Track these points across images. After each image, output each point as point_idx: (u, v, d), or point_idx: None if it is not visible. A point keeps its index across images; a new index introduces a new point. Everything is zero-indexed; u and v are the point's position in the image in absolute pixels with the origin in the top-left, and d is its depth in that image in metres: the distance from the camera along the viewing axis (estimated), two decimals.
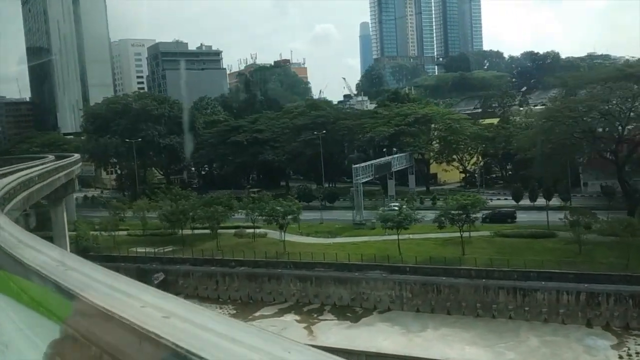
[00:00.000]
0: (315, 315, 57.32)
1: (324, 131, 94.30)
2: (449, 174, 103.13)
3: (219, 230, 71.21)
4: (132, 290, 3.06)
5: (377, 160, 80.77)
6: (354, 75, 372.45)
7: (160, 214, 73.38)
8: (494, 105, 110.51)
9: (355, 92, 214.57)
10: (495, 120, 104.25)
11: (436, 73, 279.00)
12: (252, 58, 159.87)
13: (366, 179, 75.49)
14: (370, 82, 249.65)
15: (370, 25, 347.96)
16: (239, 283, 62.94)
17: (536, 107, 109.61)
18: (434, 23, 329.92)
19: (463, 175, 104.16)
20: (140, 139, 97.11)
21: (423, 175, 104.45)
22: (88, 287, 3.06)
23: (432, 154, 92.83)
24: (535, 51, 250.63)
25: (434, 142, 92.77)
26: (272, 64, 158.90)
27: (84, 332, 2.63)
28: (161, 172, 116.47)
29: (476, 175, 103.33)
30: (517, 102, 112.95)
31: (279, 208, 64.72)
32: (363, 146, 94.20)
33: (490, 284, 52.60)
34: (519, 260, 53.49)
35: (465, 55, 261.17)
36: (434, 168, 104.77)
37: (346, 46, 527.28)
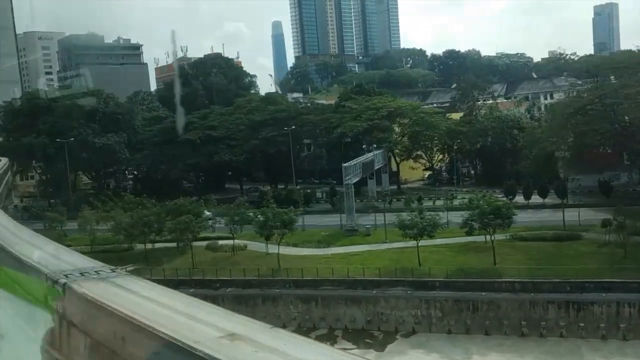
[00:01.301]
0: (327, 343, 47.10)
1: (286, 128, 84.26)
2: (410, 172, 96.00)
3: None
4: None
5: (361, 157, 71.53)
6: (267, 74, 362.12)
7: (116, 227, 60.46)
8: (457, 99, 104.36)
9: (280, 90, 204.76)
10: (458, 115, 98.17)
11: (357, 71, 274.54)
12: (182, 51, 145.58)
13: (356, 179, 66.12)
14: (295, 79, 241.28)
15: (283, 25, 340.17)
16: (226, 308, 51.43)
17: (500, 101, 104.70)
18: (353, 22, 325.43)
19: (428, 172, 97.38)
20: (72, 139, 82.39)
21: (389, 173, 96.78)
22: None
23: (400, 150, 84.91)
24: (457, 49, 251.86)
25: (404, 137, 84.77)
26: (202, 57, 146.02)
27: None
28: (89, 176, 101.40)
29: (443, 172, 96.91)
30: (489, 96, 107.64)
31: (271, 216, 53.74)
32: (333, 143, 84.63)
33: (538, 298, 44.78)
34: (562, 269, 46.10)
35: (390, 53, 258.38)
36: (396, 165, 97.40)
37: (257, 45, 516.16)
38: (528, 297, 44.93)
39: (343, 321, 49.03)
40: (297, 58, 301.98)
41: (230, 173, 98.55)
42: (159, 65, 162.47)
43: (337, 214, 69.25)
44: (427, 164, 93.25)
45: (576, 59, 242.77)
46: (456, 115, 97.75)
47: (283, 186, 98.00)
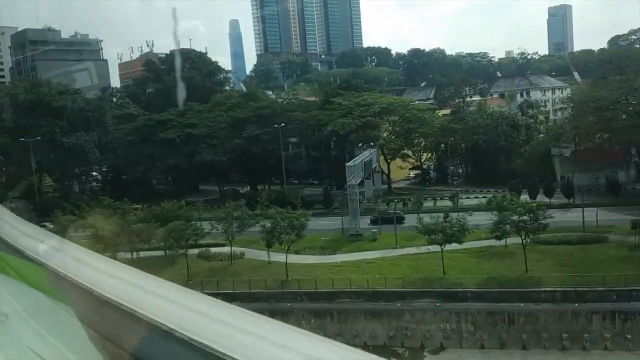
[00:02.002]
0: None
1: (271, 125, 78.77)
2: (395, 171, 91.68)
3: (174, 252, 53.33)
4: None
5: (360, 156, 66.40)
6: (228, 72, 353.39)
7: (96, 235, 53.57)
8: (447, 96, 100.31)
9: (244, 88, 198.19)
10: (441, 112, 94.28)
11: (320, 69, 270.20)
12: (148, 46, 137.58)
13: (359, 180, 60.93)
14: (258, 78, 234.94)
15: (243, 23, 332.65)
16: None
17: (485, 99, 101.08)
18: (315, 21, 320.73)
19: (414, 171, 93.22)
20: (39, 137, 74.61)
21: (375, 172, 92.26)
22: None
23: (389, 149, 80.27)
24: (422, 48, 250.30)
25: (396, 135, 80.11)
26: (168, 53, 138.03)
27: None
28: (53, 178, 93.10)
29: (431, 171, 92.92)
30: (478, 92, 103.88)
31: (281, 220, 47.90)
32: (322, 141, 79.35)
33: (581, 308, 40.63)
34: (600, 276, 42.11)
35: (356, 51, 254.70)
36: (383, 165, 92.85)
37: (213, 44, 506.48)
38: (570, 308, 40.75)
39: (362, 337, 43.88)
40: (259, 56, 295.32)
41: (203, 173, 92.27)
42: (122, 61, 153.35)
43: (332, 217, 64.38)
44: (416, 162, 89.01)
45: (537, 58, 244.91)
46: (440, 113, 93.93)
47: (262, 187, 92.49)
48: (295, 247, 53.96)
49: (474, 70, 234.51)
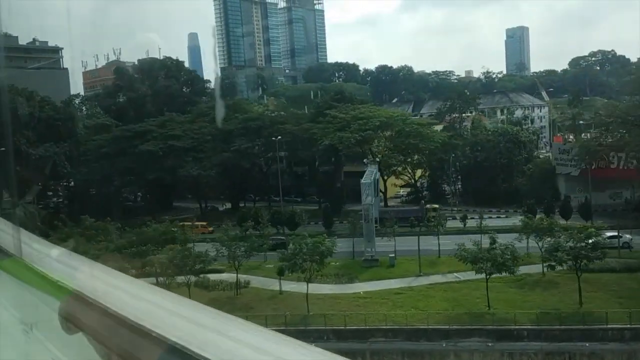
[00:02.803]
0: None
1: (259, 138, 72.37)
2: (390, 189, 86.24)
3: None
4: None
5: (370, 172, 60.48)
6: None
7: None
8: (443, 111, 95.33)
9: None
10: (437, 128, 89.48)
11: (284, 83, 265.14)
12: (115, 54, 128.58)
13: (371, 198, 54.80)
14: (222, 91, 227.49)
15: (205, 37, 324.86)
16: None
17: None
18: (280, 35, 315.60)
19: (405, 189, 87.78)
20: (2, 148, 65.51)
21: (358, 189, 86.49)
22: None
23: (388, 164, 74.73)
24: (389, 65, 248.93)
25: (395, 150, 74.52)
26: (136, 62, 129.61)
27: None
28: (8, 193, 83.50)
29: (424, 189, 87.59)
30: (477, 108, 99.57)
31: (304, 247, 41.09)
32: (318, 156, 73.18)
33: None
34: None
35: (323, 66, 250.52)
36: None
37: (172, 56, 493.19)
38: None
39: None
40: (223, 69, 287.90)
41: (178, 189, 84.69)
42: (87, 70, 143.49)
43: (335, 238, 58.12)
44: (409, 180, 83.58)
45: (501, 77, 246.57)
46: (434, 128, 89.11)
47: (243, 204, 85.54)
48: (303, 274, 47.48)
49: (441, 88, 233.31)
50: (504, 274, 39.69)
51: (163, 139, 73.11)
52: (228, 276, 48.81)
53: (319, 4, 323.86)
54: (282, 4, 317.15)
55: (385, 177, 77.36)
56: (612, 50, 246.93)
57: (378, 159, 70.74)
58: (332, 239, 44.76)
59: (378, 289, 45.34)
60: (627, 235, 52.38)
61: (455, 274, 47.71)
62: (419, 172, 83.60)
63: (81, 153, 77.02)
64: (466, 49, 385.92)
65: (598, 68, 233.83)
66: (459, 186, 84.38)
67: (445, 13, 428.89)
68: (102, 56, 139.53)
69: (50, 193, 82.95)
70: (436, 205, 65.33)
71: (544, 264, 42.02)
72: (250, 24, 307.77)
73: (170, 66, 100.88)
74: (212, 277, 48.36)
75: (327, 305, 42.21)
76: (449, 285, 44.79)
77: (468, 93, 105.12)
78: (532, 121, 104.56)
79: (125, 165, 71.30)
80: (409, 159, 73.91)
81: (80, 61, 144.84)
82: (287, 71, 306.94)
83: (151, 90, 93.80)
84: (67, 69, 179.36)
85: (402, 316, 38.96)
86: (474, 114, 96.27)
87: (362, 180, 53.30)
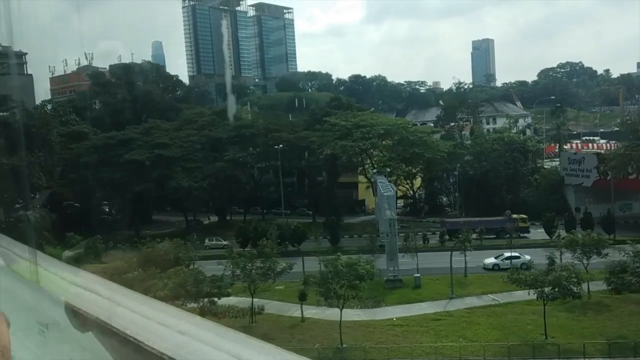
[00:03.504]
0: None
1: (253, 146, 66.86)
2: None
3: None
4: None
5: (385, 184, 55.36)
6: None
7: None
8: (442, 119, 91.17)
9: None
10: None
11: (255, 92, 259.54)
12: (87, 59, 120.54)
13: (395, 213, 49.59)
14: (192, 99, 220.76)
15: (172, 46, 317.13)
16: None
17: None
18: (250, 44, 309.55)
19: (403, 200, 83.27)
20: None
21: (352, 202, 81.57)
22: None
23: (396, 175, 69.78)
24: (362, 74, 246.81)
25: (400, 160, 69.79)
26: (107, 68, 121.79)
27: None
28: None
29: (421, 201, 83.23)
30: (478, 116, 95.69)
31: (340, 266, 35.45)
32: (317, 166, 67.96)
33: None
34: None
35: (296, 75, 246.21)
36: (362, 193, 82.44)
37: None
38: None
39: None
40: (192, 77, 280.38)
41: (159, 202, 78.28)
42: (54, 75, 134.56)
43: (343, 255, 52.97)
44: (407, 191, 79.07)
45: (472, 87, 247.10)
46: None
47: (229, 217, 79.73)
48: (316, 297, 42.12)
49: (414, 98, 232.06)
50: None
51: (149, 148, 66.73)
52: (238, 300, 43.00)
53: (288, 13, 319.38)
54: (251, 13, 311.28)
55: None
56: (580, 62, 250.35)
57: (381, 169, 65.84)
58: (368, 260, 39.39)
59: (411, 314, 40.22)
60: (527, 256, 49.74)
61: (490, 295, 43.19)
62: (416, 183, 79.34)
63: (56, 163, 70.14)
64: (431, 60, 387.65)
65: (567, 79, 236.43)
66: (459, 197, 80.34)
67: (410, 25, 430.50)
68: (73, 61, 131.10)
69: (24, 207, 75.32)
70: (524, 215, 61.16)
71: (608, 287, 37.54)
72: (219, 33, 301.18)
73: (150, 71, 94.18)
74: (220, 301, 42.62)
75: (360, 334, 36.88)
76: (490, 309, 40.08)
77: (470, 101, 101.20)
78: (524, 132, 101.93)
79: (108, 176, 64.59)
80: (414, 169, 69.24)
81: (45, 67, 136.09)
82: (256, 80, 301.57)
83: (130, 96, 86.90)
84: (31, 75, 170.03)
85: (454, 348, 33.91)
86: (471, 122, 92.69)
87: (384, 192, 48.20)
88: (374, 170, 62.84)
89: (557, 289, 33.57)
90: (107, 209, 78.17)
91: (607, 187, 63.81)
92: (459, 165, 69.48)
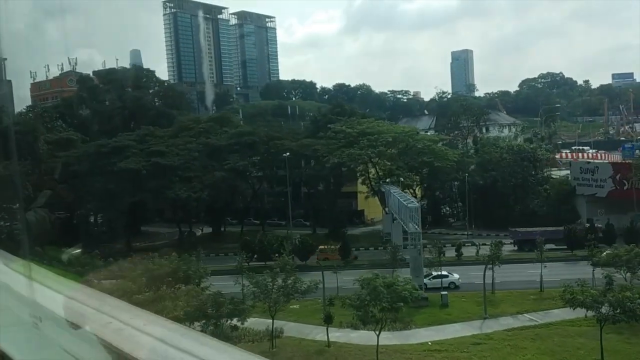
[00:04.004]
0: None
1: (255, 156, 63.08)
2: (378, 210, 78.50)
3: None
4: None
5: (400, 194, 51.99)
6: None
7: None
8: (448, 127, 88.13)
9: None
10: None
11: (237, 100, 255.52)
12: (70, 64, 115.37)
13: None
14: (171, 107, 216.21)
15: (155, 51, 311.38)
16: None
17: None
18: (231, 53, 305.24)
19: None
20: None
21: (350, 212, 77.89)
22: None
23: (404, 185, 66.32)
24: (347, 83, 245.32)
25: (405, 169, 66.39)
26: (91, 74, 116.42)
27: None
28: None
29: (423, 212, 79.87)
30: (483, 124, 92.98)
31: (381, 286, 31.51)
32: (322, 175, 64.29)
33: None
34: None
35: (280, 83, 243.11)
36: (362, 204, 78.88)
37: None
38: None
39: None
40: (172, 85, 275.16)
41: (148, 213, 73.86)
42: (36, 81, 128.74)
43: (356, 271, 49.31)
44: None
45: (449, 97, 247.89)
46: None
47: (223, 228, 75.78)
48: (344, 318, 38.36)
49: (398, 107, 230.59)
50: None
51: (145, 156, 62.35)
52: (252, 321, 39.00)
53: (270, 22, 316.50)
54: (233, 21, 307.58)
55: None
56: (561, 73, 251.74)
57: (390, 178, 62.49)
58: (407, 280, 35.66)
59: (446, 337, 36.64)
60: (455, 275, 47.37)
61: (527, 315, 39.95)
62: (418, 193, 76.20)
63: (44, 172, 65.46)
64: (408, 70, 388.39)
65: (549, 90, 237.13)
66: (462, 207, 77.43)
67: (386, 36, 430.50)
68: (55, 67, 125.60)
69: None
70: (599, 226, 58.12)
71: None
72: (201, 41, 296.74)
73: (141, 76, 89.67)
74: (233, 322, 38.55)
75: None
76: (531, 331, 36.74)
77: (476, 109, 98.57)
78: (530, 140, 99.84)
79: (100, 186, 59.99)
80: (422, 178, 66.00)
81: (25, 73, 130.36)
82: (238, 88, 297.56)
83: (120, 102, 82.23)
84: (10, 81, 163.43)
85: None
86: (475, 130, 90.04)
87: (408, 204, 44.70)
88: (387, 180, 59.34)
89: (618, 311, 30.26)
90: (96, 220, 73.54)
91: (622, 197, 61.39)
92: (467, 174, 66.35)
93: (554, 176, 73.41)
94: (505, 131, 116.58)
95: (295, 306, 42.65)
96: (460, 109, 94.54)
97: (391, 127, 69.32)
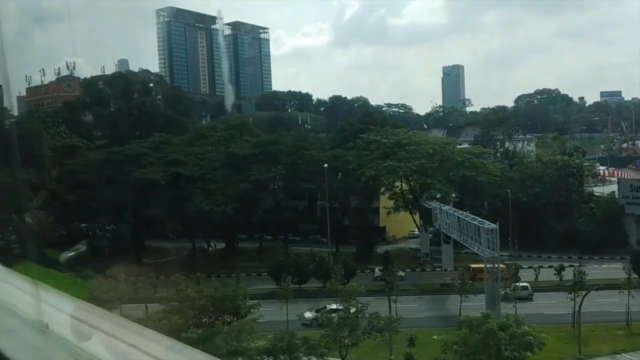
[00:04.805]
0: None
1: (279, 166, 57.00)
2: (398, 227, 72.52)
3: None
4: None
5: (455, 210, 46.15)
6: None
7: None
8: (482, 139, 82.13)
9: None
10: None
11: (230, 112, 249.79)
12: (68, 68, 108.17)
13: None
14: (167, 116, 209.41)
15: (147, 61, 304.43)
16: None
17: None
18: (224, 64, 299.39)
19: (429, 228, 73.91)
20: None
21: (370, 229, 71.46)
22: None
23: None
24: (343, 95, 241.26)
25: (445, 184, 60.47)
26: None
27: None
28: None
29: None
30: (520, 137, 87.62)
31: None
32: (356, 189, 58.26)
33: None
34: None
35: (277, 94, 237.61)
36: (383, 220, 72.84)
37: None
38: None
39: None
40: None
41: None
42: (31, 85, 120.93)
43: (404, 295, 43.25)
44: None
45: (446, 111, 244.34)
46: None
47: (235, 244, 69.11)
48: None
49: (396, 120, 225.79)
50: None
51: (162, 165, 55.84)
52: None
53: (264, 32, 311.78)
54: (227, 32, 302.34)
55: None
56: (556, 89, 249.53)
57: (429, 193, 56.64)
58: (521, 319, 29.60)
59: None
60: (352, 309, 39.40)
61: (625, 355, 34.20)
62: None
63: (48, 181, 58.72)
64: (397, 85, 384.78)
65: (545, 106, 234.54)
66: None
67: (376, 50, 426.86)
68: (52, 71, 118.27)
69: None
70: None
71: None
72: (194, 51, 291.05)
73: (148, 81, 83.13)
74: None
75: None
76: None
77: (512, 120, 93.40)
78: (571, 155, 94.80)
79: (112, 198, 53.30)
80: (466, 194, 59.91)
81: (17, 78, 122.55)
82: (233, 99, 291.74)
83: (126, 107, 75.63)
84: (1, 86, 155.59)
85: None
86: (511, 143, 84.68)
87: (484, 226, 38.77)
88: (425, 195, 53.44)
89: None
90: (103, 234, 66.57)
91: None
92: (509, 190, 60.64)
93: (596, 193, 68.24)
94: (519, 145, 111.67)
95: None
96: (496, 120, 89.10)
97: (428, 138, 63.86)
